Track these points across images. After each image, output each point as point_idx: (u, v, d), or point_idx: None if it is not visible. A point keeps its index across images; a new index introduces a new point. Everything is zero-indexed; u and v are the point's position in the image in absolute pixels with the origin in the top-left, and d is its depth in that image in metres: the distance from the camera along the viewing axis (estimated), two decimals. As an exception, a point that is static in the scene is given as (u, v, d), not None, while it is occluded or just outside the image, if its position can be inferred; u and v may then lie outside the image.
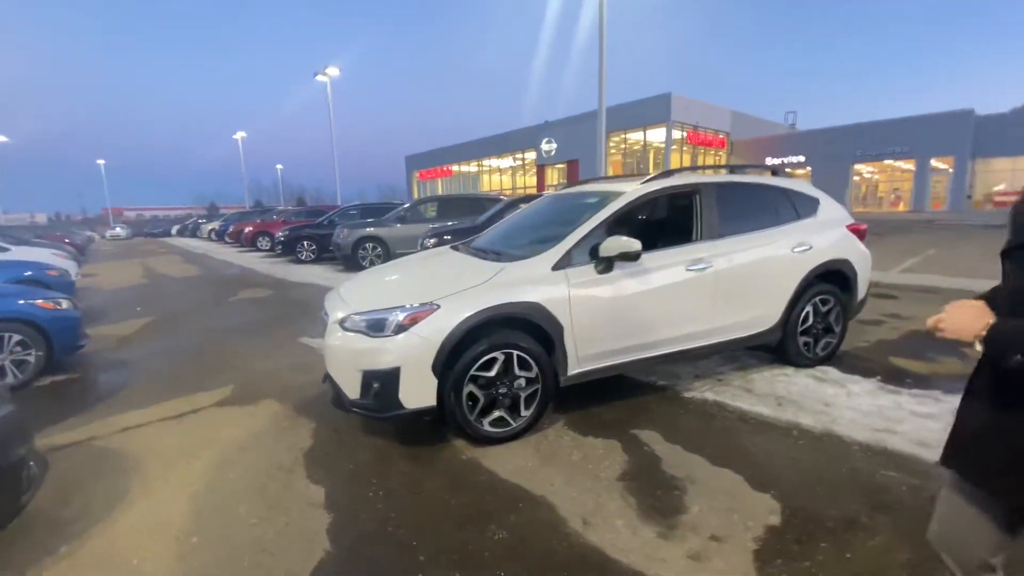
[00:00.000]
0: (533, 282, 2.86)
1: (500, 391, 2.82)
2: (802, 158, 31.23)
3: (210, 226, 25.33)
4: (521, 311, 2.78)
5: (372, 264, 10.88)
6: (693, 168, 3.20)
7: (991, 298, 1.05)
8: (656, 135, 30.80)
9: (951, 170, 26.72)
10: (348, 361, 2.74)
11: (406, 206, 12.21)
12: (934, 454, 2.36)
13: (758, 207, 3.64)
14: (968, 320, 1.00)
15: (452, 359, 2.67)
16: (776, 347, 3.77)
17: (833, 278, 3.76)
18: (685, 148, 31.70)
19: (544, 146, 34.03)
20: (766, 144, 33.24)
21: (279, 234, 14.21)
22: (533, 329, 2.85)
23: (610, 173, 32.56)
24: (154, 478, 2.70)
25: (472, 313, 2.66)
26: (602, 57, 11.97)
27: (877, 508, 2.20)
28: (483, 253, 3.42)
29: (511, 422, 2.87)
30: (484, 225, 8.72)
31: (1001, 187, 26.41)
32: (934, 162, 27.36)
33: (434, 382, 2.66)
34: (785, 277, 3.58)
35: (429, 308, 2.66)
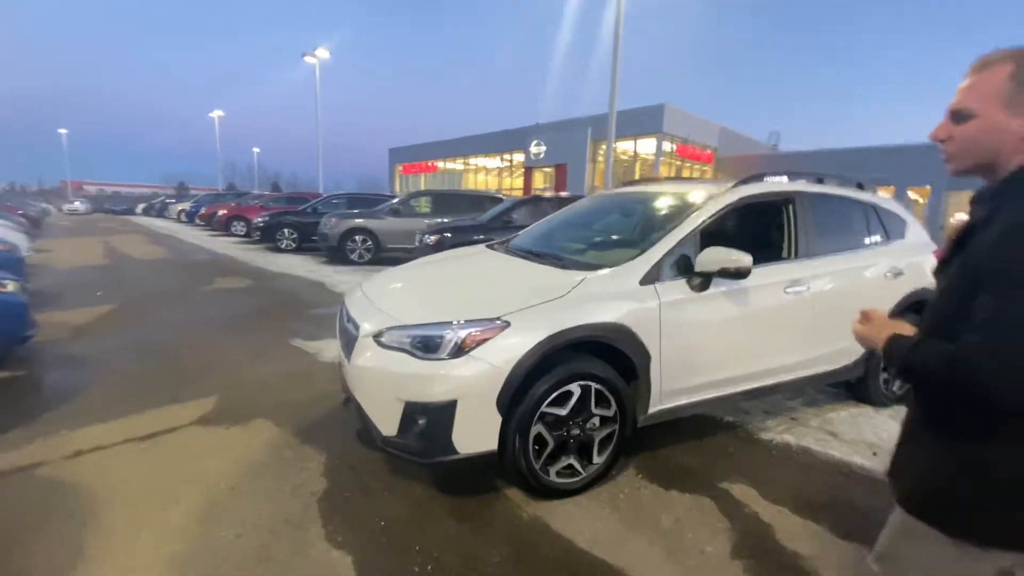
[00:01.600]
0: (618, 298, 2.31)
1: (572, 432, 2.26)
2: (784, 179, 31.68)
3: (180, 207, 23.85)
4: (606, 334, 2.24)
5: (361, 258, 10.17)
6: (775, 173, 2.88)
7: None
8: (646, 145, 30.78)
9: (923, 201, 27.48)
10: (384, 387, 2.14)
11: (399, 199, 11.50)
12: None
13: (850, 224, 3.19)
14: (875, 330, 1.06)
15: (520, 392, 2.10)
16: (855, 384, 3.32)
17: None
18: (674, 161, 31.79)
19: (533, 148, 33.55)
20: (751, 162, 33.52)
21: (257, 219, 13.26)
22: (613, 356, 2.30)
23: (597, 183, 32.50)
24: (118, 531, 2.03)
25: (552, 334, 2.10)
26: (616, 62, 11.55)
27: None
28: (536, 256, 2.86)
29: (581, 471, 2.31)
30: (490, 224, 8.16)
31: (959, 215, 27.38)
32: (911, 193, 28.13)
33: (498, 421, 2.08)
34: (876, 305, 3.13)
35: (496, 325, 2.08)
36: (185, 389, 3.48)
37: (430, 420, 2.03)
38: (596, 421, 2.31)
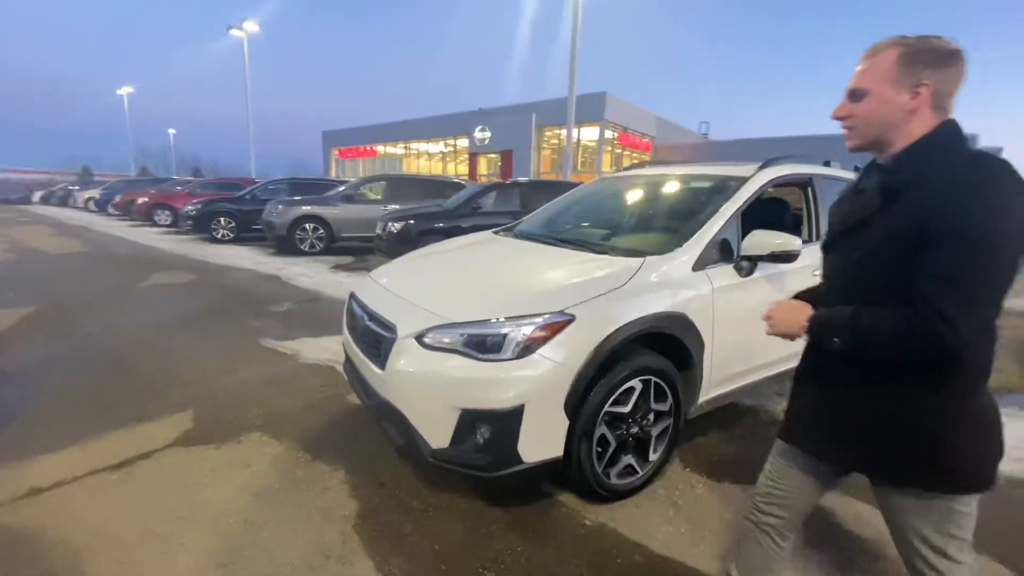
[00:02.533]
0: (676, 285, 2.18)
1: (631, 430, 2.11)
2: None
3: (88, 194, 21.24)
4: (667, 325, 2.09)
5: (313, 248, 9.49)
6: (789, 157, 2.89)
7: (820, 293, 1.23)
8: (589, 133, 31.13)
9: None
10: (435, 394, 1.88)
11: (351, 184, 10.82)
12: None
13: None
14: (792, 317, 1.16)
15: (585, 392, 1.92)
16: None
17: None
18: (616, 149, 32.44)
19: (478, 134, 32.98)
20: (685, 151, 34.95)
21: (188, 208, 12.02)
22: (669, 346, 2.17)
23: (543, 168, 32.56)
24: (113, 589, 1.65)
25: (619, 327, 1.93)
26: (574, 49, 11.43)
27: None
28: (565, 243, 2.66)
29: (638, 470, 2.18)
30: (457, 210, 7.82)
31: None
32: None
33: (564, 425, 1.89)
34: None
35: (562, 320, 1.87)
36: (150, 404, 2.99)
37: (495, 429, 1.81)
38: (651, 416, 2.18)
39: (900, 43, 1.02)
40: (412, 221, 7.65)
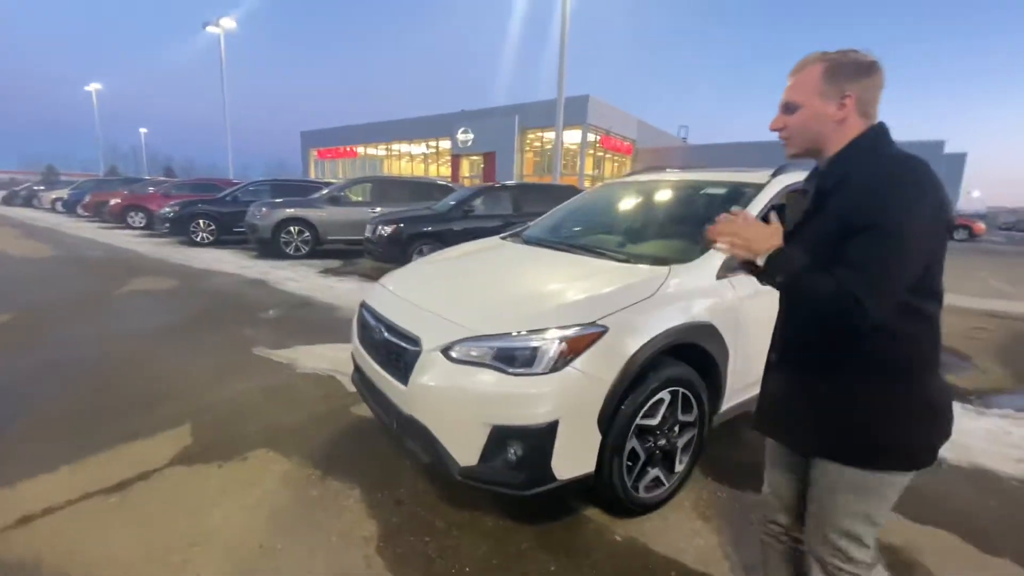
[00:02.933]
0: (702, 294, 2.15)
1: (659, 443, 2.07)
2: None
3: (54, 195, 20.41)
4: (696, 335, 2.07)
5: (298, 252, 9.27)
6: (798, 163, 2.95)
7: None
8: (571, 136, 31.26)
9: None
10: (464, 410, 1.80)
11: (337, 185, 10.62)
12: None
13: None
14: (764, 238, 1.12)
15: (618, 405, 1.87)
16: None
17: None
18: (598, 152, 32.68)
19: (460, 136, 32.82)
20: (665, 154, 35.47)
21: (164, 210, 11.62)
22: (695, 356, 2.14)
23: (526, 172, 32.56)
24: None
25: (652, 337, 1.89)
26: (563, 50, 11.45)
27: None
28: (582, 250, 2.61)
29: (665, 482, 2.14)
30: (449, 213, 7.72)
31: None
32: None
33: (597, 439, 1.84)
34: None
35: (595, 331, 1.82)
36: (143, 419, 2.84)
37: (528, 445, 1.74)
38: (678, 428, 2.15)
39: (823, 59, 1.11)
40: (403, 224, 7.53)
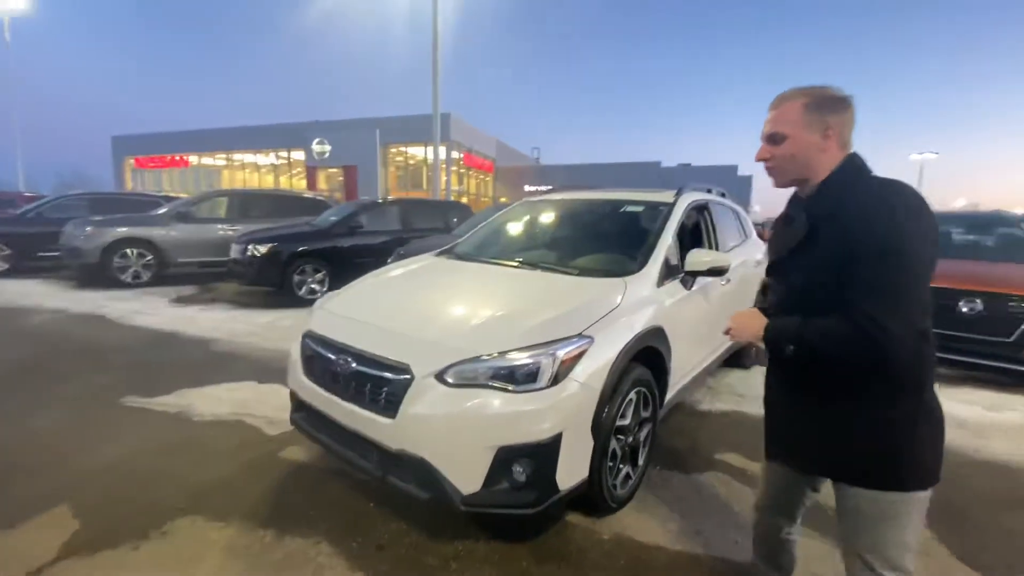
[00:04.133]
0: (652, 301, 2.39)
1: (628, 440, 2.25)
2: (550, 187, 36.52)
3: None
4: (652, 338, 2.29)
5: (138, 278, 7.81)
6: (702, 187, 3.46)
7: (768, 312, 1.34)
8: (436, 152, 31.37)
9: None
10: (466, 435, 1.75)
11: (186, 200, 9.20)
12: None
13: (734, 226, 3.93)
14: (749, 323, 1.29)
15: (606, 410, 1.99)
16: (737, 354, 4.08)
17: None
18: (461, 169, 33.25)
19: (316, 147, 30.60)
20: (522, 173, 37.63)
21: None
22: (649, 357, 2.37)
23: (390, 187, 31.75)
24: None
25: (625, 344, 2.05)
26: (435, 66, 11.51)
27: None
28: (530, 265, 2.71)
29: (631, 476, 2.32)
30: (332, 229, 7.20)
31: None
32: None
33: (590, 445, 1.93)
34: (754, 289, 3.95)
35: (585, 342, 1.92)
36: (-8, 507, 2.18)
37: (535, 463, 1.76)
38: (639, 425, 2.35)
39: (804, 94, 1.19)
40: (280, 243, 6.84)
